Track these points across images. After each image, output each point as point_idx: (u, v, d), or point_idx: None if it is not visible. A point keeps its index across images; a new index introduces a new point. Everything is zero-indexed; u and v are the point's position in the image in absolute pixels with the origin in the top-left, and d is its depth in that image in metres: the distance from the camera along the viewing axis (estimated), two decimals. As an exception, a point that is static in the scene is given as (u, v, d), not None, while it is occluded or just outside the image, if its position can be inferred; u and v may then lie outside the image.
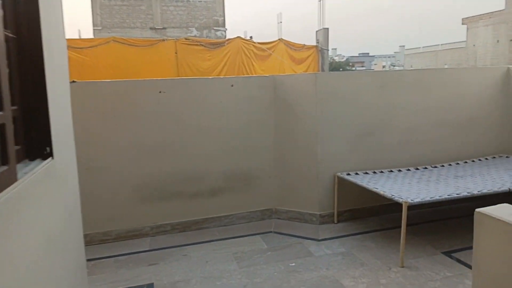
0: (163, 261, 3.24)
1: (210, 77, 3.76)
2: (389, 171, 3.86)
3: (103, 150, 3.65)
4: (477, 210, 1.60)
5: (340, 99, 3.86)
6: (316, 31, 12.46)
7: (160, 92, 3.71)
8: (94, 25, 21.52)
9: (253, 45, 10.72)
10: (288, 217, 4.07)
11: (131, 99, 3.66)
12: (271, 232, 3.79)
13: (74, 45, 8.97)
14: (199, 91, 3.82)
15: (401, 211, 2.88)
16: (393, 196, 2.98)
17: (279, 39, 11.15)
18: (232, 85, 3.90)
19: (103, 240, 3.70)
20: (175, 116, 3.78)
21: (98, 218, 3.68)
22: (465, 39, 36.65)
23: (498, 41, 32.17)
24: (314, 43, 12.30)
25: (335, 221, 3.89)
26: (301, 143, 3.94)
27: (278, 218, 4.11)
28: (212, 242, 3.59)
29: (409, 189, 3.24)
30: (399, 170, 3.88)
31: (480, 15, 33.83)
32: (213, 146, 3.90)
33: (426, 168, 3.98)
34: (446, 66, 38.42)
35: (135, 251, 3.49)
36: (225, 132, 3.93)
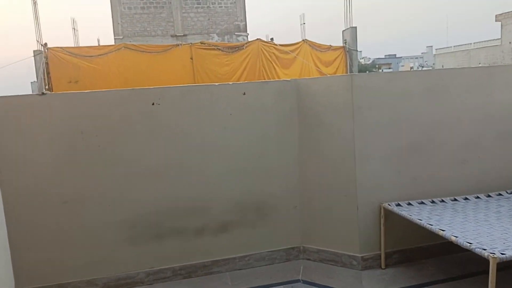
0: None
1: (217, 83, 2.92)
2: (452, 200, 2.94)
3: (84, 178, 2.90)
4: None
5: (382, 106, 2.97)
6: (343, 31, 11.53)
7: (153, 103, 2.94)
8: (115, 34, 21.33)
9: (274, 47, 9.90)
10: (320, 259, 3.21)
11: (116, 114, 2.91)
12: (298, 281, 2.94)
13: (84, 54, 8.45)
14: (203, 102, 3.03)
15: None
16: (472, 247, 2.07)
17: (303, 40, 10.29)
18: (244, 93, 3.09)
19: (85, 291, 2.95)
20: (173, 133, 3.01)
21: (81, 263, 2.95)
22: (499, 37, 34.58)
23: (537, 37, 30.06)
24: (341, 44, 11.37)
25: (383, 266, 2.99)
26: (333, 163, 3.08)
27: (308, 259, 3.25)
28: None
29: (489, 230, 2.32)
30: (466, 199, 2.95)
31: (517, 10, 31.76)
32: (221, 169, 3.10)
33: (500, 194, 3.03)
34: (480, 65, 36.38)
35: (121, 309, 2.72)
36: (236, 151, 3.12)
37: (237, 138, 3.12)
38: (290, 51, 9.84)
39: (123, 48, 8.82)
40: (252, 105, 3.12)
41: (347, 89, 2.90)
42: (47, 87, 8.62)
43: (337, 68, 10.71)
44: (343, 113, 2.94)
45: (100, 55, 8.65)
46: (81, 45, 13.07)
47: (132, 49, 8.85)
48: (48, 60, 8.60)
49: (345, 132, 2.95)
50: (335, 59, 10.78)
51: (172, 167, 3.02)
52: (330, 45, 10.90)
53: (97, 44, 14.80)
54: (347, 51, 11.06)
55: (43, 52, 8.64)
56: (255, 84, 3.22)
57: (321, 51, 10.51)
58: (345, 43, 11.23)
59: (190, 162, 3.05)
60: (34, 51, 8.77)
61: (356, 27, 10.96)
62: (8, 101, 2.76)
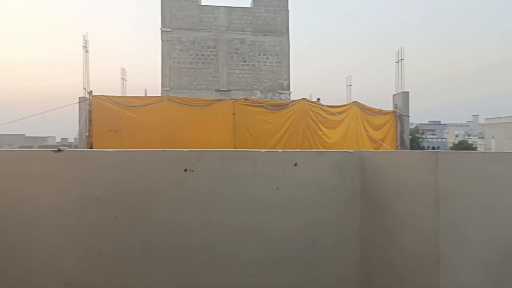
0: None
1: (263, 150, 2.36)
2: None
3: (94, 255, 2.37)
4: None
5: (476, 195, 2.28)
6: (393, 95, 10.98)
7: (186, 170, 2.43)
8: (162, 86, 22.03)
9: (321, 108, 9.46)
10: None
11: (141, 179, 2.41)
12: None
13: (127, 103, 8.37)
14: (244, 171, 2.50)
15: None
16: None
17: (353, 102, 9.79)
18: (295, 164, 2.52)
19: None
20: (205, 207, 2.45)
21: None
22: (557, 109, 32.72)
23: None
24: (391, 108, 10.78)
25: None
26: (408, 265, 2.36)
27: None
28: None
29: None
30: None
31: None
32: (261, 256, 2.48)
33: None
34: (535, 138, 34.26)
35: None
36: (281, 235, 2.50)
37: (284, 220, 2.51)
38: (338, 112, 9.35)
39: (166, 100, 8.70)
40: (305, 179, 2.53)
41: (430, 169, 2.25)
42: (87, 134, 8.57)
43: (386, 133, 10.04)
44: (424, 200, 2.28)
45: (143, 105, 8.56)
46: (128, 95, 13.33)
47: (175, 102, 8.71)
48: (91, 108, 8.61)
49: (426, 226, 2.26)
50: (385, 124, 10.15)
51: (200, 249, 2.43)
52: (381, 109, 10.33)
53: (144, 95, 15.14)
54: (398, 116, 10.43)
55: (88, 99, 8.70)
56: (309, 153, 2.65)
57: (371, 115, 9.94)
58: (396, 107, 10.63)
59: (223, 245, 2.46)
60: (79, 97, 8.86)
61: (408, 92, 10.39)
62: (14, 156, 2.34)
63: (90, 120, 8.72)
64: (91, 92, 8.77)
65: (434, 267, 2.21)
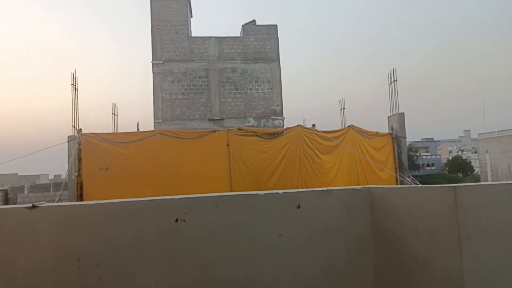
0: None
1: (262, 192, 2.10)
2: None
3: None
4: None
5: (503, 234, 2.04)
6: (388, 117, 10.86)
7: (177, 220, 2.18)
8: (155, 118, 21.89)
9: (316, 133, 9.28)
10: None
11: (127, 233, 2.15)
12: None
13: (117, 140, 8.14)
14: (242, 216, 2.25)
15: None
16: None
17: (349, 126, 9.63)
18: (298, 206, 2.28)
19: None
20: (199, 260, 2.18)
21: None
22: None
23: None
24: (387, 130, 10.63)
25: None
26: (429, 315, 2.09)
27: None
28: None
29: None
30: None
31: None
32: (265, 315, 2.19)
33: None
34: (530, 151, 34.29)
35: None
36: (287, 288, 2.22)
37: (288, 269, 2.24)
38: (334, 137, 9.17)
39: (158, 134, 8.47)
40: (309, 223, 2.29)
41: (449, 206, 2.01)
42: (76, 173, 8.27)
43: (388, 156, 9.84)
44: (445, 241, 2.03)
45: (134, 141, 8.31)
46: (120, 129, 13.10)
47: (167, 135, 8.49)
48: (81, 146, 8.36)
49: (449, 271, 2.01)
50: (383, 146, 9.97)
51: (196, 310, 2.15)
52: (377, 132, 10.18)
53: (136, 128, 14.92)
54: (394, 138, 10.27)
55: (77, 138, 8.45)
56: (313, 193, 2.41)
57: (368, 138, 9.77)
58: (392, 129, 10.49)
59: (222, 304, 2.17)
60: (68, 136, 8.61)
61: (403, 113, 10.29)
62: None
63: (80, 159, 8.45)
64: (80, 130, 8.54)
65: (463, 319, 1.94)
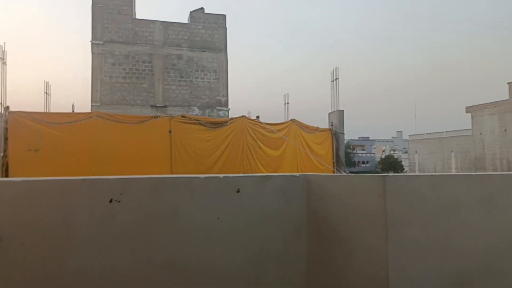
0: None
1: (201, 176, 2.08)
2: None
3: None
4: None
5: (424, 222, 2.21)
6: (329, 113, 11.28)
7: (111, 200, 2.09)
8: (92, 101, 20.79)
9: (260, 125, 9.38)
10: None
11: (55, 213, 2.03)
12: None
13: (49, 120, 7.60)
14: (181, 200, 2.21)
15: None
16: None
17: (291, 120, 9.85)
18: (238, 190, 2.29)
19: None
20: (132, 245, 2.12)
21: None
22: (469, 127, 36.22)
23: (505, 130, 31.54)
24: (327, 126, 11.03)
25: None
26: (356, 297, 2.21)
27: None
28: None
29: None
30: None
31: (485, 104, 33.72)
32: (199, 298, 2.18)
33: None
34: (452, 154, 37.54)
35: None
36: (222, 273, 2.24)
37: (225, 254, 2.25)
38: (277, 130, 9.34)
39: (95, 116, 8.05)
40: (248, 207, 2.31)
41: (378, 194, 2.14)
42: (1, 154, 7.61)
43: (327, 150, 10.23)
44: (373, 226, 2.15)
45: (68, 122, 7.82)
46: (53, 110, 12.27)
47: (105, 118, 8.08)
48: (7, 125, 7.70)
49: (375, 253, 2.14)
50: (323, 141, 10.34)
51: (128, 294, 2.09)
52: (317, 127, 10.53)
53: (71, 110, 14.05)
54: (334, 134, 10.70)
55: (4, 115, 7.78)
56: (252, 178, 2.44)
57: (308, 132, 10.08)
58: (332, 125, 10.91)
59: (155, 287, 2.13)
60: (-6, 114, 7.90)
61: (343, 110, 10.75)
62: None
63: (6, 139, 7.78)
64: (7, 107, 7.85)
65: (385, 298, 2.08)
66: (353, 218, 2.23)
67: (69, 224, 2.04)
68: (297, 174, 2.49)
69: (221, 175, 2.41)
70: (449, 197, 2.26)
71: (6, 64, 8.70)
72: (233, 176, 2.40)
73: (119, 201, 2.11)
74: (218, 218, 2.26)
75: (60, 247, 2.03)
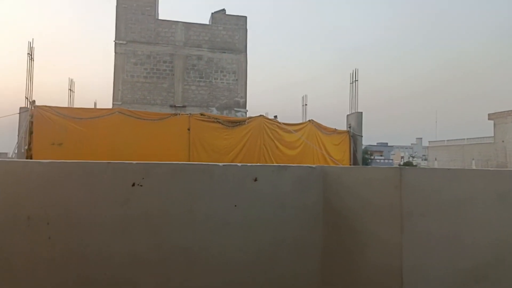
0: None
1: (220, 164, 2.15)
2: None
3: (20, 285, 2.03)
4: None
5: (440, 214, 2.22)
6: (347, 115, 11.24)
7: (133, 184, 2.18)
8: (114, 100, 21.22)
9: (277, 125, 9.42)
10: None
11: (80, 195, 2.12)
12: None
13: (73, 115, 7.83)
14: (199, 186, 2.28)
15: None
16: None
17: (309, 121, 9.86)
18: (255, 179, 2.35)
19: None
20: (153, 228, 2.20)
21: None
22: (491, 134, 35.39)
23: (529, 137, 30.70)
24: (345, 128, 10.99)
25: None
26: (370, 286, 2.23)
27: None
28: None
29: None
30: None
31: (508, 111, 32.91)
32: (215, 284, 2.25)
33: None
34: (473, 161, 36.71)
35: None
36: (238, 258, 2.29)
37: (242, 240, 2.31)
38: (295, 130, 9.36)
39: (117, 112, 8.25)
40: (265, 196, 2.36)
41: (394, 186, 2.16)
42: (26, 147, 7.88)
43: (344, 152, 10.19)
44: (388, 218, 2.18)
45: (91, 118, 8.04)
46: (76, 106, 12.59)
47: (127, 115, 8.27)
48: (33, 119, 7.97)
49: (390, 245, 2.16)
50: (340, 143, 10.32)
51: (148, 276, 2.16)
52: (335, 129, 10.50)
53: (93, 108, 14.39)
54: (352, 136, 10.65)
55: (30, 110, 8.05)
56: (270, 167, 2.49)
57: (326, 134, 10.07)
58: (350, 127, 10.87)
59: (173, 271, 2.20)
60: (20, 108, 8.18)
61: (362, 113, 10.70)
62: None
63: (31, 133, 8.05)
64: (33, 102, 8.13)
65: (397, 286, 2.10)
66: (369, 209, 2.26)
67: (93, 206, 2.13)
68: (313, 165, 2.53)
69: (239, 164, 2.47)
70: (465, 191, 2.26)
71: (33, 60, 9.01)
72: (251, 165, 2.45)
73: (141, 185, 2.19)
74: (235, 206, 2.31)
75: (84, 228, 2.12)
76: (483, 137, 36.85)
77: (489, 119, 35.26)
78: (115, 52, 20.34)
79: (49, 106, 8.08)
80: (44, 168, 2.11)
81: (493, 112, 34.71)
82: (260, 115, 9.34)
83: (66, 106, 11.72)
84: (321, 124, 9.97)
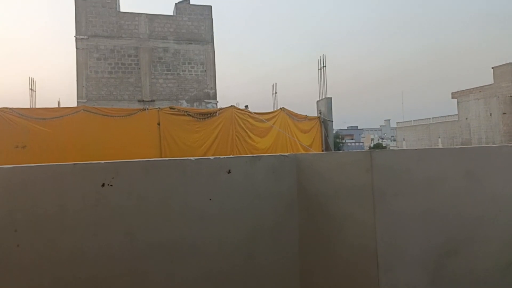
0: None
1: (193, 158, 2.11)
2: (511, 325, 2.17)
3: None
4: None
5: (411, 193, 2.28)
6: (317, 101, 11.36)
7: (103, 184, 2.11)
8: (78, 97, 20.55)
9: (249, 115, 9.41)
10: None
11: (47, 199, 2.04)
12: None
13: (35, 116, 7.52)
14: (173, 182, 2.25)
15: None
16: None
17: (280, 109, 9.89)
18: (229, 171, 2.33)
19: None
20: (126, 227, 2.15)
21: None
22: (456, 113, 36.74)
23: (490, 114, 32.08)
24: (316, 114, 11.11)
25: None
26: (348, 269, 2.28)
27: None
28: None
29: None
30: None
31: (470, 89, 34.20)
32: (195, 275, 2.24)
33: None
34: (440, 139, 38.09)
35: None
36: (216, 249, 2.29)
37: (219, 232, 2.30)
38: (266, 119, 9.37)
39: (82, 110, 7.98)
40: (239, 188, 2.36)
41: (365, 169, 2.20)
42: (-12, 151, 7.53)
43: (313, 138, 10.31)
44: (361, 200, 2.22)
45: (55, 117, 7.74)
46: (38, 107, 12.10)
47: (93, 112, 8.02)
48: (-7, 122, 7.60)
49: (364, 226, 2.20)
50: (311, 129, 10.43)
51: (124, 275, 2.12)
52: (306, 115, 10.60)
53: (57, 107, 13.87)
54: (322, 121, 10.78)
55: (-11, 113, 7.67)
56: (243, 159, 2.48)
57: (298, 120, 10.14)
58: (320, 113, 11.00)
59: (151, 266, 2.17)
60: (-22, 111, 7.78)
61: (331, 98, 10.83)
62: None
63: (-8, 136, 7.68)
64: (-8, 104, 7.74)
65: (372, 269, 2.15)
66: (342, 193, 2.29)
67: (62, 209, 2.06)
68: (286, 154, 2.54)
69: (212, 157, 2.44)
70: (435, 169, 2.33)
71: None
72: (224, 158, 2.43)
73: (111, 185, 2.13)
74: (210, 199, 2.29)
75: (54, 232, 2.05)
76: (448, 116, 38.21)
77: (452, 97, 36.54)
78: (77, 48, 19.64)
79: (9, 108, 7.72)
80: (6, 174, 2.02)
81: (456, 91, 36.00)
82: (231, 106, 9.30)
83: (28, 106, 11.23)
84: (292, 112, 10.04)
